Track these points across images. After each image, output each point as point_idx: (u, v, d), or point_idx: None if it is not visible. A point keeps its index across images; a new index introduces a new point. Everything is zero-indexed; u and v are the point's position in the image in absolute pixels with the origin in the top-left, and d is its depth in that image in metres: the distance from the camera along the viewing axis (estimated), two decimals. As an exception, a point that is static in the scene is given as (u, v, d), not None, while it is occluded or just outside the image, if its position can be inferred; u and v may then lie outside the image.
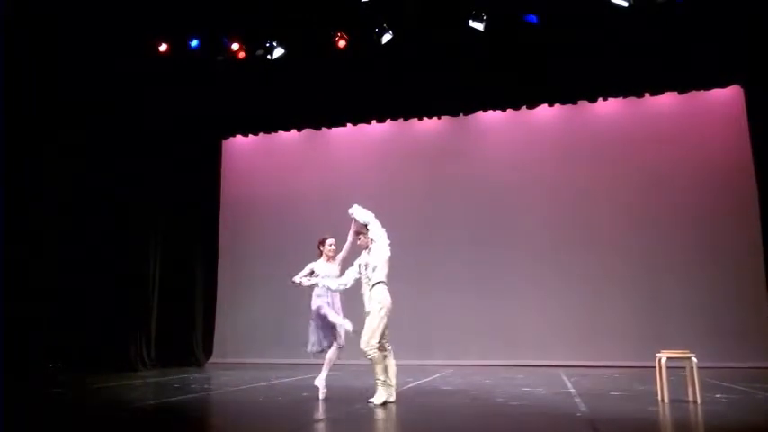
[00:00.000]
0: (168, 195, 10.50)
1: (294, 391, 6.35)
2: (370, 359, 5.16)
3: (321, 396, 5.72)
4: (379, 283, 5.32)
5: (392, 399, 5.31)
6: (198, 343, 10.59)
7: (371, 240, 5.49)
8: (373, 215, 5.53)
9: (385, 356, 5.29)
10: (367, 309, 5.31)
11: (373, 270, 5.34)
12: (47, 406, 5.69)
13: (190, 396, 6.30)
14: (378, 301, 5.26)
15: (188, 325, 10.55)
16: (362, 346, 5.16)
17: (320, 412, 5.04)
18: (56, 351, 9.47)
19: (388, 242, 5.47)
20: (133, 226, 9.93)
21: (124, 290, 9.69)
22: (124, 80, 9.89)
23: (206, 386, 7.30)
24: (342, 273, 5.79)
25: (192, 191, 10.88)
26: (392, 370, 5.37)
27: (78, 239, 9.79)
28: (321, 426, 4.58)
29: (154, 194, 10.22)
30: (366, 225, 5.52)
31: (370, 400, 5.24)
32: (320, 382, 5.81)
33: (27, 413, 5.28)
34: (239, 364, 10.17)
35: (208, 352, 10.72)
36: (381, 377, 5.22)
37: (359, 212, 5.56)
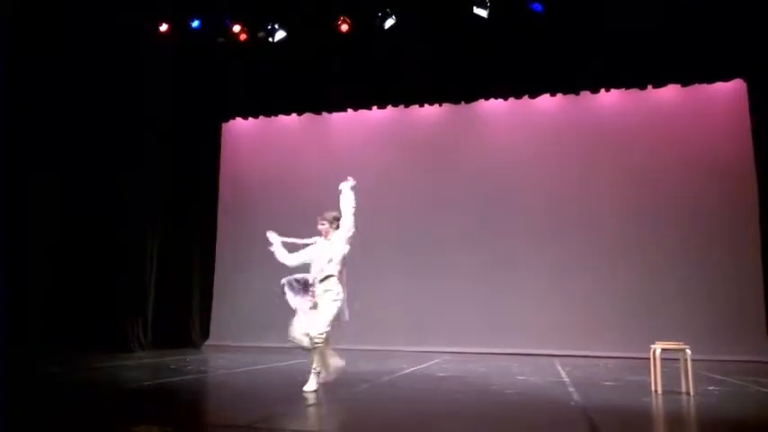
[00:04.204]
0: (167, 178, 10.45)
1: (291, 375, 6.38)
2: (315, 347, 5.07)
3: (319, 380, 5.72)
4: (331, 276, 5.23)
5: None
6: (195, 325, 10.61)
7: (333, 231, 5.36)
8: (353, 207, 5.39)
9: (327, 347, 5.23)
10: (316, 300, 5.20)
11: (328, 262, 5.25)
12: (44, 385, 5.71)
13: (187, 377, 6.33)
14: (336, 294, 5.19)
15: (185, 307, 10.56)
16: (314, 333, 5.04)
17: (317, 395, 5.06)
18: (53, 331, 9.49)
19: (349, 241, 5.33)
20: (131, 208, 9.89)
21: (121, 271, 9.69)
22: (124, 61, 9.82)
23: (202, 368, 7.33)
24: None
25: (190, 174, 10.84)
26: (332, 360, 5.29)
27: (75, 221, 9.77)
28: (318, 409, 4.61)
29: (152, 177, 10.16)
30: (339, 214, 5.38)
31: (305, 388, 5.15)
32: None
33: (24, 392, 5.30)
34: (236, 348, 10.21)
35: (204, 334, 10.75)
36: (318, 367, 5.20)
37: (348, 194, 5.44)
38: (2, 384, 5.63)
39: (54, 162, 9.67)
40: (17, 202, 9.03)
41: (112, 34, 9.60)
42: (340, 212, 5.46)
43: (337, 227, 5.42)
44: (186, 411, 4.68)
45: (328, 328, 5.13)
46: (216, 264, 11.03)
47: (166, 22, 9.77)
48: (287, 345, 5.54)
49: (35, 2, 8.97)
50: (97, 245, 9.70)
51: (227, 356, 8.80)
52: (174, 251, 10.51)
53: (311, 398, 4.93)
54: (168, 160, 10.47)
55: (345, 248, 5.35)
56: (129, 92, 9.92)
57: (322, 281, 5.24)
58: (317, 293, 5.25)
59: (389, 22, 9.07)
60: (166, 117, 10.39)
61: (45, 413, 4.23)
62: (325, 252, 5.32)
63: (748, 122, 8.76)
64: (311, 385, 5.17)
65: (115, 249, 9.71)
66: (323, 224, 5.43)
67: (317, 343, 5.06)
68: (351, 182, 5.54)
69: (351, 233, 5.39)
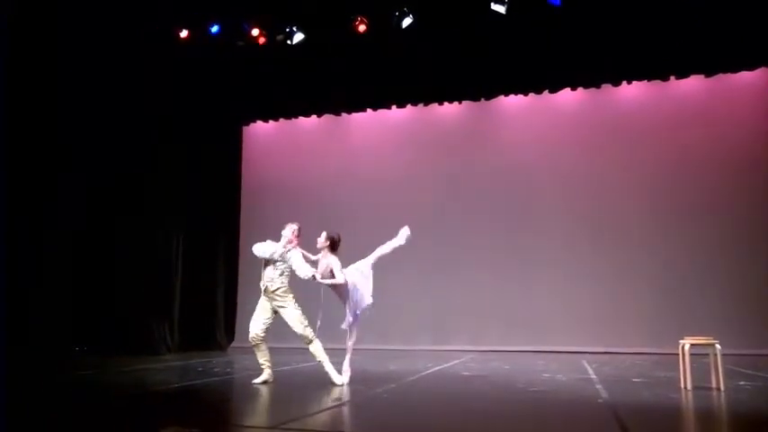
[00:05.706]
0: (189, 182, 10.58)
1: (315, 376, 6.41)
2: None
3: (345, 380, 5.76)
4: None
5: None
6: (220, 327, 10.75)
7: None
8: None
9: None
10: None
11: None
12: (72, 388, 5.81)
13: (213, 379, 6.41)
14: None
15: (210, 310, 10.71)
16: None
17: (342, 395, 5.09)
18: (81, 334, 9.66)
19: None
20: (156, 212, 10.03)
21: (148, 275, 9.81)
22: (147, 67, 9.96)
23: (228, 370, 7.40)
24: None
25: (213, 176, 10.98)
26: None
27: (99, 226, 9.93)
28: (345, 409, 4.63)
29: (175, 181, 10.30)
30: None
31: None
32: (344, 366, 5.86)
33: (53, 395, 5.41)
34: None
35: (230, 336, 10.87)
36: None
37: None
38: (2, 385, 5.75)
39: (80, 166, 9.85)
40: (43, 208, 9.22)
41: (135, 41, 9.74)
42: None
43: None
44: (214, 413, 4.73)
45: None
46: (240, 265, 11.13)
47: (186, 28, 9.89)
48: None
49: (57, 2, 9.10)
50: (123, 248, 9.84)
51: (252, 358, 8.84)
52: (199, 254, 10.65)
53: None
54: (190, 164, 10.59)
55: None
56: (151, 97, 10.06)
57: None
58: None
59: (407, 21, 9.06)
60: (188, 121, 10.52)
61: (73, 415, 4.31)
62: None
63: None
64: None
65: (141, 253, 9.83)
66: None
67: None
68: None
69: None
